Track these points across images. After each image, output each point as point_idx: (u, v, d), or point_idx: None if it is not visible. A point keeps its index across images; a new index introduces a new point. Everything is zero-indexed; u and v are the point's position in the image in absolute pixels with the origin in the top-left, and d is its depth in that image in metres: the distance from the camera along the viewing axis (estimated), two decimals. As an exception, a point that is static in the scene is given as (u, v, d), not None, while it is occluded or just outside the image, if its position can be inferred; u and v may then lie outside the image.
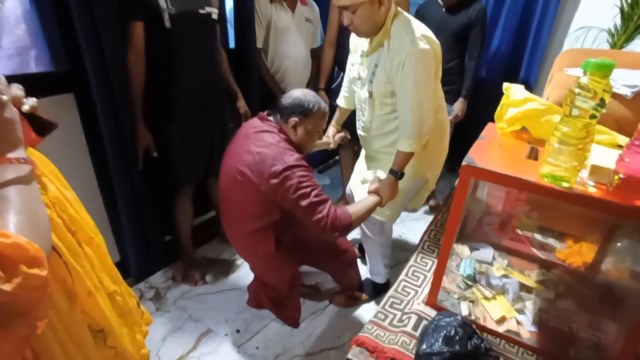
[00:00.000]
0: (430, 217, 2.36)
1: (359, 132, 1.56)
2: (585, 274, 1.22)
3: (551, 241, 1.34)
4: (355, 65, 1.43)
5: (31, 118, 0.58)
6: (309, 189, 1.15)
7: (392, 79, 1.28)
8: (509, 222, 1.40)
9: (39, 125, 0.60)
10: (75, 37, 1.30)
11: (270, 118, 1.30)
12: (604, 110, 0.72)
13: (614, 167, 0.78)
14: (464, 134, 2.21)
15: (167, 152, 1.62)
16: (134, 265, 1.78)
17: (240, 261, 2.03)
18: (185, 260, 1.91)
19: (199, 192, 1.85)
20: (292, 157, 1.17)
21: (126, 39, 1.39)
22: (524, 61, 2.50)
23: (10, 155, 0.49)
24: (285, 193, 1.15)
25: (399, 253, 2.10)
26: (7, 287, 0.40)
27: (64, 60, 1.35)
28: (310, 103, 1.25)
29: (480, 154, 0.91)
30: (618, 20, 2.14)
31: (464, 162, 0.86)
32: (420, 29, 1.26)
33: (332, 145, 1.63)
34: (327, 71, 2.21)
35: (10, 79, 1.28)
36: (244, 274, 1.95)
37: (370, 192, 1.34)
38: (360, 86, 1.43)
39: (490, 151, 0.97)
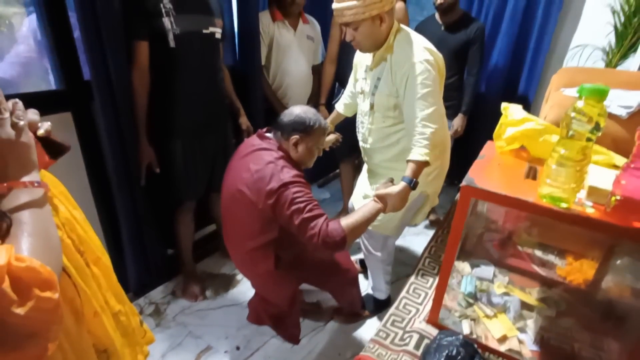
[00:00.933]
0: (431, 232, 2.37)
1: (361, 144, 1.57)
2: (586, 292, 1.23)
3: (551, 258, 1.35)
4: (360, 80, 1.47)
5: (45, 141, 0.60)
6: (302, 204, 1.13)
7: (396, 91, 1.30)
8: (509, 238, 1.40)
9: (52, 148, 0.62)
10: (75, 57, 1.33)
11: (269, 135, 1.31)
12: (599, 134, 0.74)
13: (611, 188, 0.79)
14: (464, 148, 2.24)
15: (170, 168, 1.64)
16: (134, 281, 1.78)
17: (240, 276, 2.03)
18: (186, 274, 1.91)
19: (200, 206, 1.86)
20: (289, 174, 1.17)
21: (131, 57, 1.43)
22: (522, 78, 2.54)
23: (25, 178, 0.51)
24: (280, 210, 1.15)
25: (400, 268, 2.10)
26: (20, 310, 0.41)
27: (62, 79, 1.38)
28: (311, 120, 1.27)
29: (479, 174, 0.92)
30: (612, 39, 2.19)
31: (463, 182, 0.87)
32: (422, 42, 1.29)
33: (325, 147, 1.63)
34: (328, 87, 2.25)
35: (10, 97, 1.30)
36: (245, 289, 1.94)
37: (376, 196, 1.23)
38: (363, 99, 1.46)
39: (489, 170, 0.99)
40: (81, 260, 0.63)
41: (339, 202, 2.72)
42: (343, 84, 2.24)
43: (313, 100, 2.28)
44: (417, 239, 2.45)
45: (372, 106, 1.41)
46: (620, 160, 0.99)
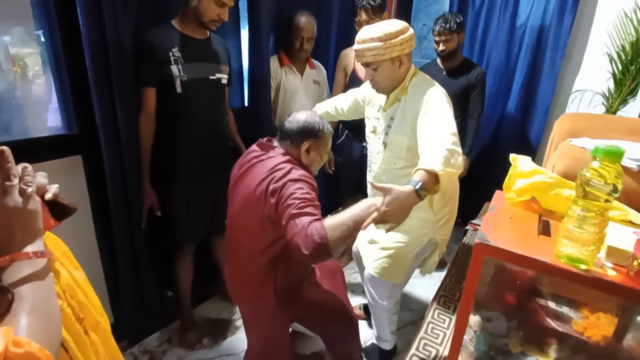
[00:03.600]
0: (435, 274, 2.30)
1: (369, 185, 1.55)
2: (606, 350, 1.16)
3: (566, 310, 1.29)
4: (372, 119, 1.47)
5: (52, 203, 0.59)
6: (298, 201, 1.02)
7: (410, 130, 1.29)
8: (521, 288, 1.35)
9: (59, 210, 0.61)
10: (88, 101, 1.34)
11: (275, 144, 1.26)
12: (617, 195, 0.72)
13: (632, 249, 0.77)
14: (469, 188, 2.23)
15: (171, 211, 1.62)
16: (129, 327, 1.71)
17: (239, 322, 1.95)
18: (183, 320, 1.84)
19: (200, 248, 1.82)
20: (297, 173, 1.11)
21: (139, 102, 1.44)
22: (529, 123, 2.58)
23: (29, 248, 0.50)
24: (280, 207, 1.06)
25: (405, 314, 2.02)
26: None
27: (74, 123, 1.40)
28: (319, 124, 1.24)
29: (492, 229, 0.90)
30: (611, 84, 2.23)
31: (477, 239, 0.84)
32: (437, 84, 1.33)
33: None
34: (333, 128, 2.27)
35: (24, 142, 1.28)
36: (243, 336, 1.84)
37: (374, 188, 1.02)
38: (375, 138, 1.46)
39: (501, 225, 0.96)
40: (80, 329, 0.60)
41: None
42: (347, 126, 2.27)
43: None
44: (421, 281, 2.37)
45: (385, 145, 1.40)
46: (636, 217, 0.96)
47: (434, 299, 1.42)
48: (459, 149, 1.12)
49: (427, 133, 1.20)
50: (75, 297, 0.62)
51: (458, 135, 1.17)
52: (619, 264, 0.78)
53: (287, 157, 1.19)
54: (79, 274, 0.67)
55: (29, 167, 0.53)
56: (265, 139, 1.31)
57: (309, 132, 1.22)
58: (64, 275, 0.61)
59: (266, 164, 1.17)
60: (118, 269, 1.59)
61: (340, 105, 1.68)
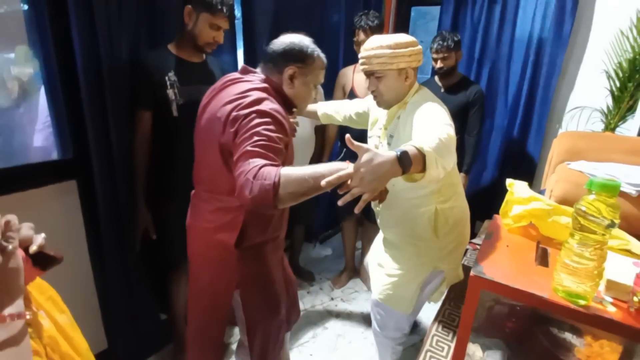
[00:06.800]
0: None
1: (373, 206, 1.51)
2: (611, 380, 1.13)
3: (568, 336, 1.26)
4: (373, 137, 1.43)
5: (37, 253, 0.57)
6: (258, 137, 0.88)
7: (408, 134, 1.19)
8: (521, 313, 1.32)
9: (44, 260, 0.59)
10: (82, 126, 1.34)
11: (256, 69, 1.11)
12: (614, 228, 0.70)
13: (632, 283, 0.74)
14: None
15: (166, 231, 1.60)
16: (123, 351, 1.67)
17: (234, 345, 1.91)
18: (177, 343, 1.80)
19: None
20: (267, 106, 0.94)
21: (133, 125, 1.44)
22: (527, 139, 2.56)
23: (8, 310, 0.47)
24: (234, 136, 0.92)
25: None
26: None
27: (69, 148, 1.39)
28: (308, 48, 1.07)
29: (488, 260, 0.88)
30: (610, 101, 2.22)
31: (472, 272, 0.82)
32: (438, 100, 1.26)
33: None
34: (331, 146, 2.29)
35: (20, 168, 1.24)
36: None
37: (350, 145, 0.84)
38: None
39: (498, 255, 0.94)
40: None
41: (340, 259, 2.65)
42: (345, 143, 2.25)
43: (316, 159, 2.29)
44: (422, 301, 2.33)
45: None
46: (637, 247, 0.94)
47: (433, 324, 1.38)
48: (453, 153, 1.02)
49: (421, 130, 1.09)
50: (57, 349, 0.59)
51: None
52: (620, 299, 0.76)
53: (263, 85, 1.03)
54: (64, 318, 0.65)
55: (13, 219, 0.50)
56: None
57: (294, 56, 1.06)
58: (46, 327, 0.59)
59: (237, 87, 1.02)
60: (110, 294, 1.56)
61: (341, 109, 1.61)
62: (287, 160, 1.08)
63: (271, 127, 0.91)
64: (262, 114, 0.92)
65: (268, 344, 1.25)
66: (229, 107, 0.97)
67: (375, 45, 1.20)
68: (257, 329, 1.22)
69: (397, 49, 1.18)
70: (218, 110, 1.00)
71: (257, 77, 1.06)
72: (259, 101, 0.95)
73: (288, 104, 1.10)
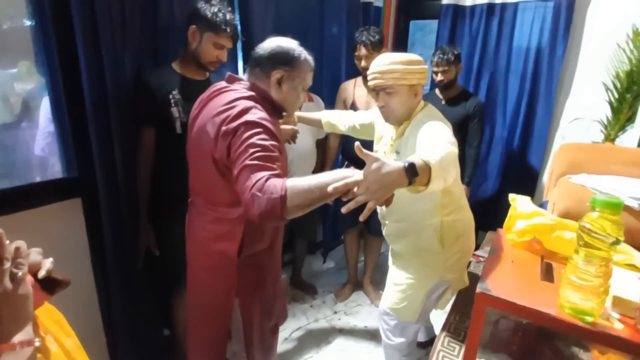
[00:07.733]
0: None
1: (380, 217, 1.52)
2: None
3: (575, 350, 1.25)
4: (380, 152, 1.44)
5: (45, 278, 0.58)
6: (254, 149, 0.88)
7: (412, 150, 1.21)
8: (528, 328, 1.31)
9: (52, 284, 0.59)
10: (87, 144, 1.35)
11: (243, 76, 1.10)
12: (619, 245, 0.71)
13: (638, 300, 0.74)
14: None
15: (169, 247, 1.60)
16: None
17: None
18: (179, 359, 1.79)
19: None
20: (255, 115, 0.94)
21: (137, 142, 1.45)
22: (528, 151, 2.58)
23: (18, 337, 0.47)
24: (228, 151, 0.93)
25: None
26: None
27: (74, 166, 1.41)
28: (295, 51, 1.05)
29: (493, 277, 0.88)
30: (609, 112, 2.24)
31: (478, 289, 0.82)
32: (443, 118, 1.28)
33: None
34: (333, 160, 2.30)
35: (26, 187, 1.24)
36: (243, 376, 1.79)
37: (359, 154, 0.83)
38: None
39: (503, 271, 0.94)
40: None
41: (343, 272, 2.63)
42: (346, 156, 2.27)
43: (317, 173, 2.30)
44: (426, 314, 2.32)
45: None
46: (641, 261, 0.94)
47: (438, 338, 1.37)
48: (455, 168, 1.04)
49: (426, 145, 1.08)
50: (65, 374, 0.60)
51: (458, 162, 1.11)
52: (626, 315, 0.76)
53: (250, 93, 1.02)
54: (70, 342, 0.65)
55: (22, 245, 0.51)
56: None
57: (281, 59, 1.04)
58: (54, 352, 0.59)
59: (224, 97, 1.01)
60: (114, 313, 1.56)
61: (345, 118, 1.63)
62: (282, 165, 1.08)
63: (263, 135, 0.92)
64: (251, 124, 0.92)
65: (265, 349, 1.27)
66: (217, 120, 0.97)
67: (388, 62, 1.23)
68: (253, 335, 1.23)
69: (410, 66, 1.22)
70: (207, 122, 1.00)
71: (242, 86, 1.05)
72: (246, 110, 0.95)
73: (277, 109, 1.09)
